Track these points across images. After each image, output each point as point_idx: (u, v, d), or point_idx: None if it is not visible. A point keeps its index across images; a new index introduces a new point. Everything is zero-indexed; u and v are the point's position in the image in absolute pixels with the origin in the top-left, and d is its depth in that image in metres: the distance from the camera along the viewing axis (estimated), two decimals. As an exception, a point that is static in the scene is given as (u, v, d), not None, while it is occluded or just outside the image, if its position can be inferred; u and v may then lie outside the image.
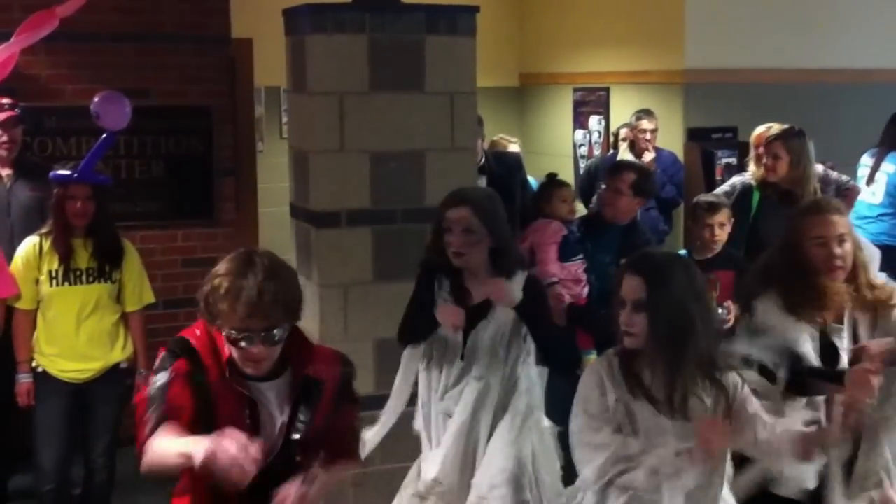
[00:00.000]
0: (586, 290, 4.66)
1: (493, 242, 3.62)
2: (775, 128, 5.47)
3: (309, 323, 4.35)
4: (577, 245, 4.71)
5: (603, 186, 4.91)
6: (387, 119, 4.20)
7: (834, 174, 5.98)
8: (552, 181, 5.09)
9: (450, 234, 3.57)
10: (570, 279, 4.64)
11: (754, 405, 2.98)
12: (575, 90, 8.82)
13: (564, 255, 4.67)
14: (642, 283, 2.87)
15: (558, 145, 9.03)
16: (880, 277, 3.50)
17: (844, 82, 7.74)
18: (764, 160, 5.38)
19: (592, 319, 4.55)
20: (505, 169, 5.74)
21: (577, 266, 4.67)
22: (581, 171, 8.15)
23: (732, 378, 2.99)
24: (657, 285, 2.86)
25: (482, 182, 5.70)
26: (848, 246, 3.35)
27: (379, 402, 4.27)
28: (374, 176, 4.21)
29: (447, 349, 3.75)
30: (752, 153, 5.77)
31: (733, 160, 7.42)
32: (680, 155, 7.45)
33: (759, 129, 5.87)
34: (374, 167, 4.20)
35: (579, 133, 8.77)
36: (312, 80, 4.15)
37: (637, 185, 4.80)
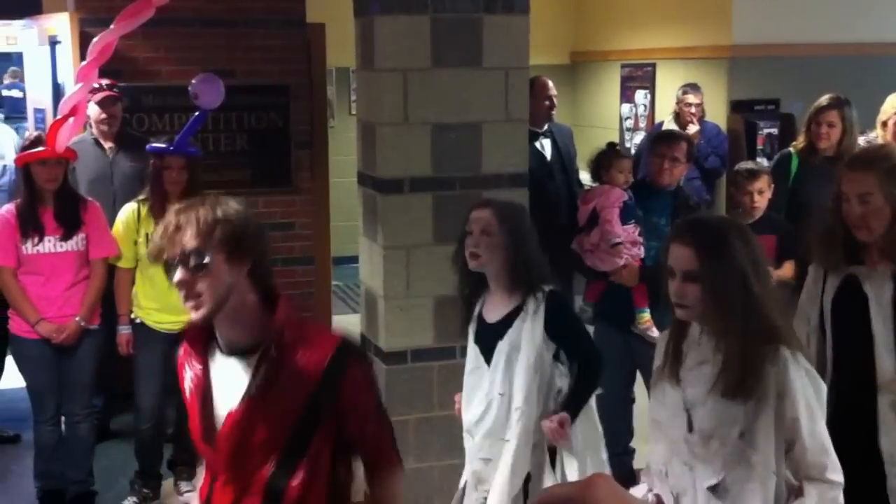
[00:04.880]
0: (641, 251, 4.68)
1: (513, 252, 3.32)
2: (825, 98, 5.22)
3: (374, 281, 4.43)
4: (632, 210, 4.72)
5: (653, 156, 4.85)
6: (447, 93, 4.21)
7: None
8: (612, 151, 5.07)
9: (470, 235, 3.35)
10: (628, 241, 4.66)
11: (799, 408, 2.49)
12: (623, 66, 8.77)
13: (623, 219, 4.68)
14: (693, 252, 2.51)
15: (606, 119, 9.00)
16: None
17: (885, 54, 7.57)
18: (819, 128, 5.14)
19: (657, 278, 4.56)
20: (567, 135, 5.91)
21: (633, 229, 4.69)
22: (633, 146, 8.12)
23: (788, 362, 2.49)
24: (710, 254, 2.49)
25: (547, 145, 5.78)
26: (874, 205, 3.05)
27: (437, 354, 4.34)
28: (435, 146, 4.24)
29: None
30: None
31: (774, 130, 7.34)
32: (723, 126, 7.39)
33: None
34: (435, 138, 4.22)
35: (626, 107, 8.73)
36: (379, 57, 4.19)
37: (689, 152, 4.83)
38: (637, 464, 4.79)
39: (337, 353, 2.31)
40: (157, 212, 4.70)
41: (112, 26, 4.82)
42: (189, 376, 2.40)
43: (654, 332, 4.56)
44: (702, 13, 7.80)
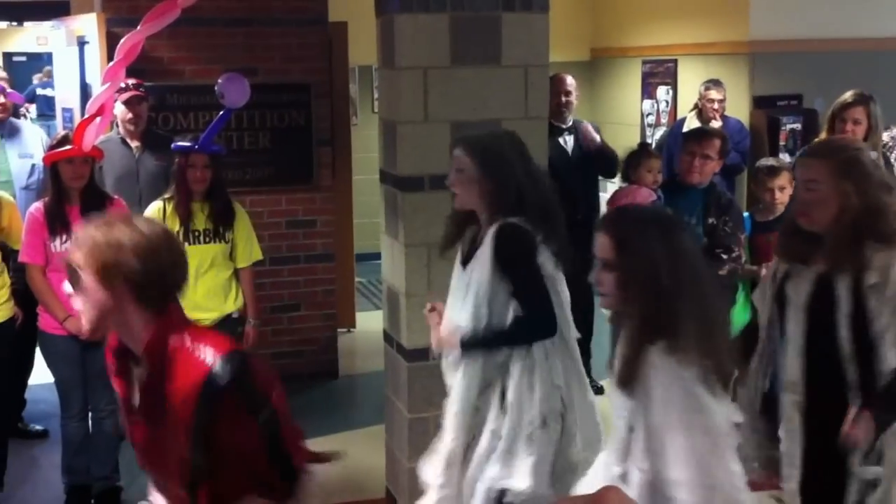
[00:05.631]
0: None
1: (487, 183, 3.21)
2: (849, 94, 5.12)
3: (395, 279, 4.43)
4: None
5: (683, 153, 4.79)
6: (466, 91, 4.20)
7: None
8: (642, 150, 5.01)
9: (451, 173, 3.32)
10: None
11: (655, 411, 2.39)
12: (644, 62, 8.73)
13: None
14: (609, 241, 2.49)
15: (627, 115, 8.96)
16: None
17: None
18: (844, 126, 4.99)
19: None
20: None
21: None
22: (653, 142, 8.08)
23: (657, 366, 2.40)
24: (624, 244, 2.47)
25: (570, 141, 5.77)
26: (818, 194, 2.96)
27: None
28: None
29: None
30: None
31: (798, 126, 7.29)
32: (746, 122, 7.34)
33: None
34: (454, 135, 4.22)
35: (647, 103, 8.69)
36: (400, 55, 4.18)
37: (722, 149, 4.76)
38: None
39: (206, 385, 2.20)
40: (182, 210, 4.73)
41: (139, 27, 4.84)
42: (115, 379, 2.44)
43: None
44: (719, 9, 7.75)
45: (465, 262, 3.32)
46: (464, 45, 4.17)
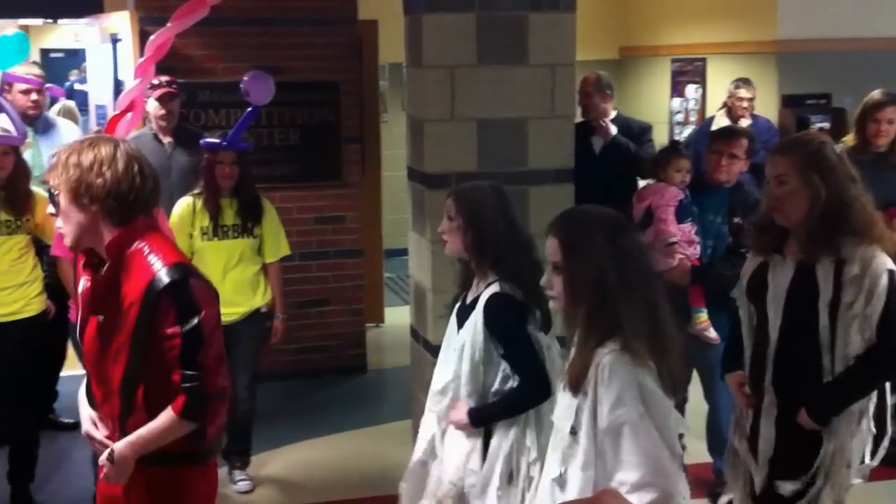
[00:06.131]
0: (698, 250, 4.61)
1: (471, 236, 3.24)
2: (878, 94, 5.06)
3: (422, 275, 4.44)
4: (688, 208, 4.62)
5: (710, 152, 4.76)
6: (492, 89, 4.20)
7: None
8: (672, 149, 4.97)
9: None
10: (684, 240, 4.56)
11: (603, 414, 2.34)
12: (673, 61, 8.70)
13: (679, 218, 4.59)
14: (557, 244, 2.48)
15: (655, 113, 8.92)
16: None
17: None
18: (878, 126, 4.97)
19: (710, 278, 4.48)
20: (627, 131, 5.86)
21: (690, 228, 4.57)
22: (681, 140, 8.04)
23: (606, 367, 2.35)
24: (570, 247, 2.46)
25: (597, 141, 5.73)
26: (789, 188, 3.05)
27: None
28: (481, 141, 4.24)
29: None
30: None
31: (826, 125, 7.24)
32: (774, 121, 7.29)
33: None
34: (480, 133, 4.23)
35: (676, 101, 8.65)
36: (427, 54, 4.19)
37: (749, 149, 4.72)
38: (687, 459, 4.74)
39: (149, 287, 2.49)
40: (211, 205, 4.77)
41: (168, 24, 4.88)
42: (80, 285, 2.68)
43: (712, 333, 4.49)
44: (747, 8, 7.72)
45: (460, 322, 3.33)
46: (490, 45, 4.18)
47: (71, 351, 5.02)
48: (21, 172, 4.77)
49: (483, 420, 3.23)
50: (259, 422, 5.14)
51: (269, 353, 5.43)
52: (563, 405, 2.52)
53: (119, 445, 2.57)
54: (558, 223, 2.53)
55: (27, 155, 5.14)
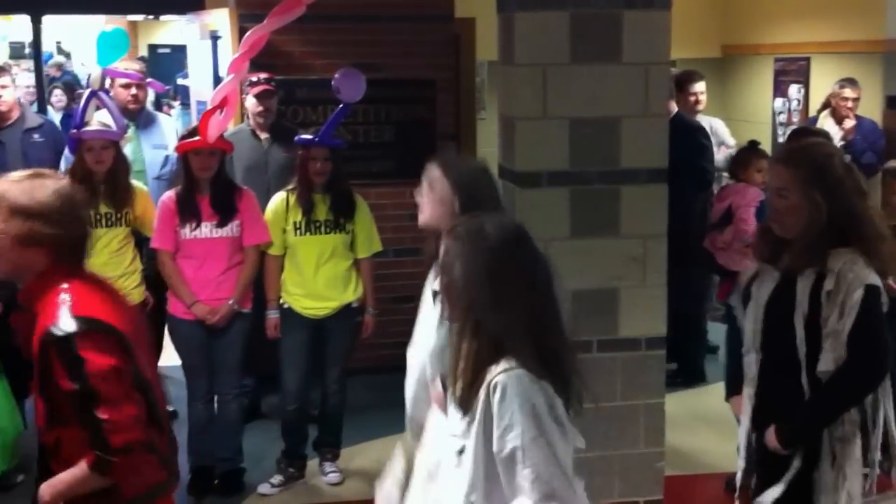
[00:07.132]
0: None
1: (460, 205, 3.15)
2: None
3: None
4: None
5: None
6: (585, 88, 4.12)
7: None
8: (752, 149, 4.85)
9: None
10: None
11: (507, 437, 2.21)
12: (776, 60, 8.46)
13: (759, 219, 4.50)
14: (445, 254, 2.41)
15: (758, 113, 8.71)
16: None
17: None
18: None
19: None
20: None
21: None
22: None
23: (498, 386, 2.22)
24: (450, 254, 2.37)
25: None
26: (790, 201, 2.93)
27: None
28: (573, 140, 4.17)
29: None
30: None
31: (932, 127, 6.96)
32: (878, 122, 7.03)
33: None
34: (572, 132, 4.16)
35: (779, 101, 8.41)
36: (519, 52, 4.14)
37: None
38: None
39: (42, 341, 2.43)
40: (304, 201, 4.81)
41: (264, 21, 4.93)
42: None
43: None
44: (854, 7, 7.45)
45: (435, 294, 3.19)
46: (583, 43, 4.10)
47: (168, 342, 5.12)
48: (121, 166, 4.89)
49: None
50: (350, 415, 5.16)
51: (360, 347, 5.44)
52: (452, 422, 2.39)
53: (42, 486, 2.52)
54: (454, 229, 2.44)
55: (127, 149, 5.27)
